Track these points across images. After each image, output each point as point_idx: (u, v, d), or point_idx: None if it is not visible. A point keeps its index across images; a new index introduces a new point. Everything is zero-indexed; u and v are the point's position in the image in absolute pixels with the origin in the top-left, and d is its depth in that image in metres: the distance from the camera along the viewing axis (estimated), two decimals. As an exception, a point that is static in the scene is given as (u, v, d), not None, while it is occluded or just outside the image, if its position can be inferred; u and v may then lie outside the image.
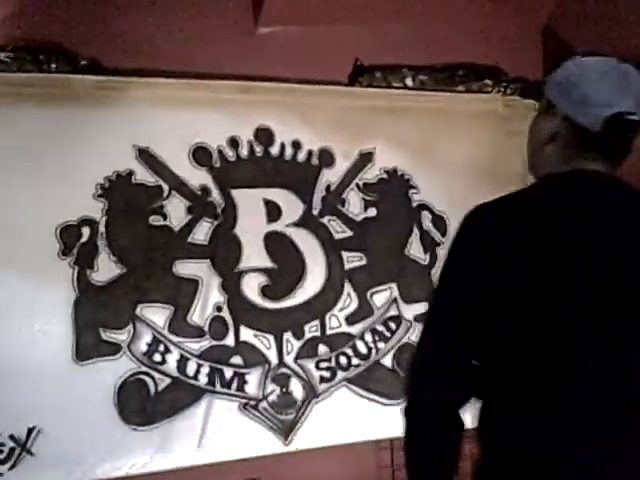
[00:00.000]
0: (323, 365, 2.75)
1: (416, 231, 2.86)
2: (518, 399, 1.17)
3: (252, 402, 2.65)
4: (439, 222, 2.88)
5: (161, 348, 2.55)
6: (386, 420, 2.80)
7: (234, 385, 2.64)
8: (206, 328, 2.60)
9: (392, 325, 2.85)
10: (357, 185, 2.82)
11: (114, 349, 2.49)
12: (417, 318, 2.83)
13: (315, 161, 2.76)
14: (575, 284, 1.14)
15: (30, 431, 2.38)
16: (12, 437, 2.37)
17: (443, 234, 2.88)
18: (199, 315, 2.59)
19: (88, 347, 2.45)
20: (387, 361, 2.84)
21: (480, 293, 1.18)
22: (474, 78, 2.99)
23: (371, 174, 2.84)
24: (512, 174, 2.84)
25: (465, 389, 1.23)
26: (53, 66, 2.44)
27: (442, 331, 1.24)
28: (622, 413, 1.13)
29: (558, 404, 1.13)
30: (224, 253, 2.63)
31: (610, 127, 1.20)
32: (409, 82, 2.89)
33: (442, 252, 2.76)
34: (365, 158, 2.83)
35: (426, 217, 2.89)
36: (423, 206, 2.89)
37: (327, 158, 2.77)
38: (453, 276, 1.26)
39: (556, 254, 1.15)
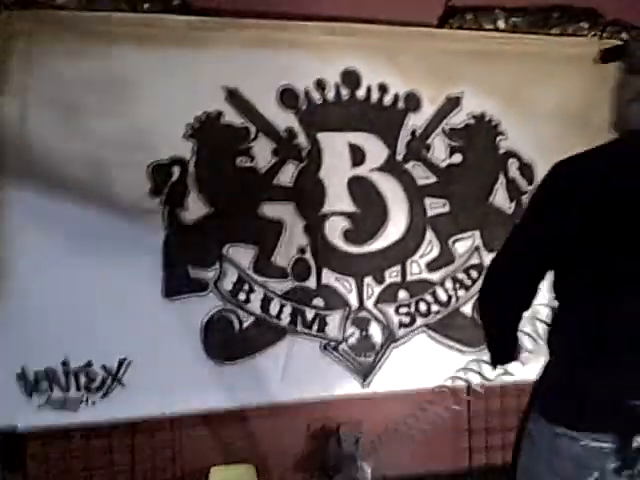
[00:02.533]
0: (402, 310, 2.75)
1: (502, 179, 2.78)
2: (576, 305, 1.43)
3: (332, 343, 2.67)
4: (526, 170, 2.78)
5: (246, 287, 2.58)
6: (464, 367, 2.78)
7: (315, 326, 2.66)
8: (289, 270, 2.61)
9: (473, 273, 2.80)
10: (443, 130, 2.75)
11: (201, 286, 2.53)
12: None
13: (401, 105, 2.69)
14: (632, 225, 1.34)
15: (121, 363, 2.46)
16: (104, 367, 2.46)
17: (530, 182, 2.77)
18: (283, 256, 2.60)
19: (177, 284, 2.51)
20: (467, 309, 2.81)
21: (556, 227, 1.41)
22: (569, 20, 2.85)
23: (458, 119, 2.76)
24: (605, 122, 2.75)
25: (529, 292, 1.51)
26: (146, 6, 2.44)
27: (519, 245, 1.53)
28: None
29: (605, 313, 1.36)
30: (308, 196, 2.61)
31: None
32: (501, 24, 2.79)
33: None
34: (452, 103, 2.74)
35: (513, 165, 2.80)
36: (511, 153, 2.80)
37: (413, 102, 2.70)
38: (536, 211, 1.51)
39: (622, 203, 1.35)
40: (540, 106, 2.77)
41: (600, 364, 1.37)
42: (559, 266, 1.46)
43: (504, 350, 1.64)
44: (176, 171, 2.50)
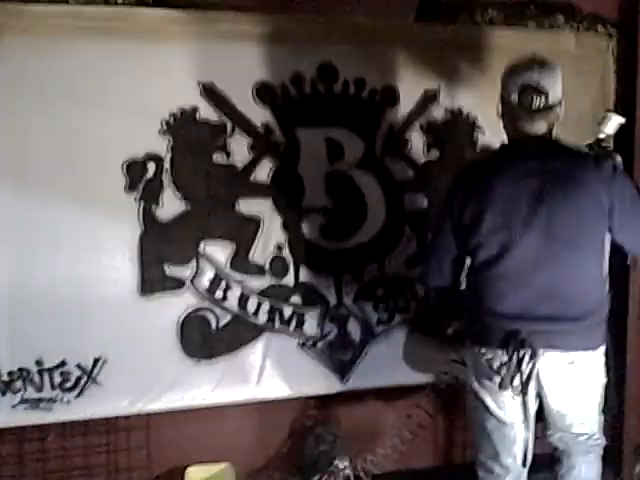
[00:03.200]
0: (381, 307, 2.74)
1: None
2: (477, 269, 2.03)
3: (310, 341, 2.68)
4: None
5: (223, 285, 2.56)
6: (441, 363, 2.76)
7: (293, 323, 2.66)
8: (267, 267, 2.60)
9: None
10: (420, 126, 2.73)
11: (178, 284, 2.52)
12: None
13: (378, 100, 2.66)
14: (508, 204, 1.93)
15: (96, 361, 2.46)
16: (79, 366, 2.45)
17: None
18: (260, 253, 2.59)
19: (153, 281, 2.49)
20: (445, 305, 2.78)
21: (460, 217, 2.02)
22: (546, 14, 2.83)
23: (435, 114, 2.74)
24: (581, 114, 2.72)
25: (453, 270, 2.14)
26: (118, -1, 2.39)
27: (440, 239, 2.14)
28: (537, 267, 1.92)
29: (494, 268, 1.97)
30: (286, 192, 2.59)
31: None
32: (477, 18, 2.77)
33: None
34: (430, 97, 2.72)
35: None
36: (488, 148, 2.76)
37: (391, 97, 2.67)
38: (447, 208, 2.08)
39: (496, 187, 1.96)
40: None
41: (489, 305, 1.99)
42: (461, 248, 2.07)
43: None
44: (151, 167, 2.46)
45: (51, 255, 2.39)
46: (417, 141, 2.75)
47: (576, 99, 2.66)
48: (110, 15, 2.39)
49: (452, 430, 3.02)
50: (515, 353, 1.89)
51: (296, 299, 2.66)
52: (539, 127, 1.96)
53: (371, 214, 2.71)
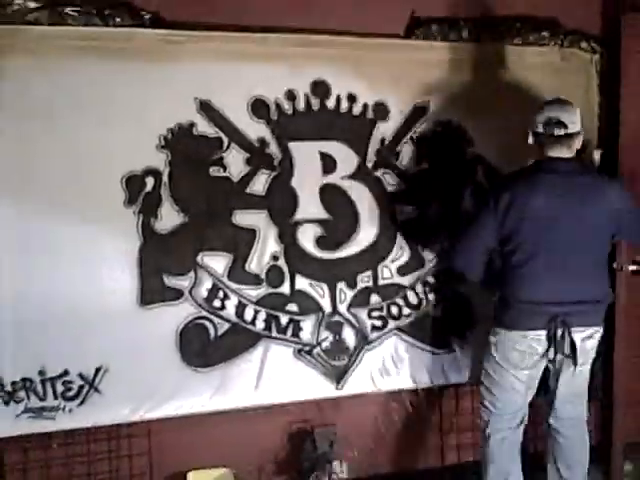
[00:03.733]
0: (375, 314, 2.76)
1: (469, 184, 2.80)
2: (514, 266, 2.36)
3: (306, 348, 2.69)
4: (493, 175, 2.79)
5: (220, 294, 2.58)
6: (435, 368, 2.83)
7: (289, 331, 2.67)
8: (263, 276, 2.62)
9: (442, 277, 2.81)
10: (411, 138, 2.76)
11: (177, 294, 2.54)
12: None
13: (370, 114, 2.69)
14: (540, 214, 2.29)
15: (97, 370, 2.47)
16: (81, 375, 2.46)
17: (497, 187, 2.80)
18: (257, 263, 2.61)
19: (152, 292, 2.51)
20: (437, 312, 2.84)
21: (499, 216, 2.33)
22: (531, 30, 2.87)
23: (425, 127, 2.77)
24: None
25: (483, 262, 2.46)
26: (118, 20, 2.42)
27: (476, 231, 2.41)
28: (567, 269, 2.32)
29: (530, 265, 2.33)
30: (281, 204, 2.62)
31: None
32: (465, 35, 2.80)
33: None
34: (419, 111, 2.75)
35: (480, 170, 2.82)
36: (477, 159, 2.82)
37: (382, 111, 2.70)
38: (488, 206, 2.36)
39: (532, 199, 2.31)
40: (504, 112, 2.78)
41: (524, 292, 2.34)
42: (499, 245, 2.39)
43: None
44: (150, 181, 2.49)
45: (53, 267, 2.41)
46: (408, 153, 2.78)
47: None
48: (110, 36, 2.42)
49: (445, 432, 3.04)
50: (557, 330, 2.32)
51: (292, 307, 2.68)
52: (561, 152, 2.35)
53: (364, 224, 2.74)
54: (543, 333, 2.33)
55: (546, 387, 2.48)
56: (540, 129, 2.34)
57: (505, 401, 2.46)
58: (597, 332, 2.41)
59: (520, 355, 2.38)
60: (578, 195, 2.31)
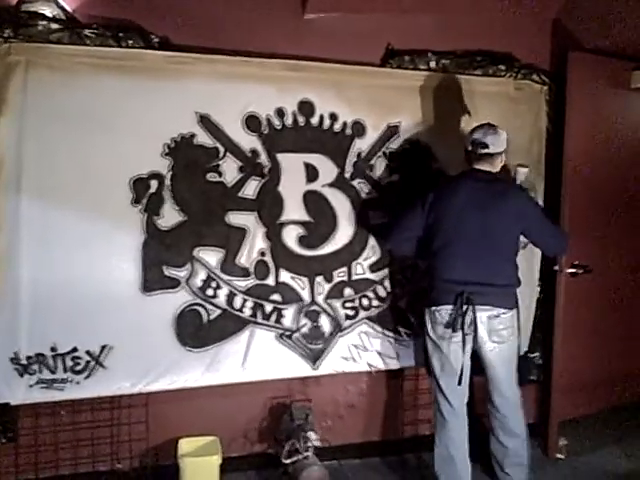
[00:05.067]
0: (348, 305, 2.86)
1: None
2: (435, 251, 2.57)
3: (287, 333, 2.77)
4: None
5: (213, 284, 2.66)
6: (398, 353, 2.93)
7: (273, 318, 2.75)
8: (251, 269, 2.70)
9: (408, 274, 2.94)
10: (384, 153, 2.87)
11: (175, 283, 2.60)
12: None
13: (349, 131, 2.80)
14: (458, 210, 2.51)
15: (103, 348, 2.53)
16: (88, 352, 2.51)
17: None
18: (246, 258, 2.69)
19: (153, 281, 2.57)
20: (402, 304, 2.95)
21: (425, 212, 2.58)
22: (490, 63, 2.99)
23: (396, 144, 2.88)
24: (519, 148, 2.94)
25: (411, 247, 2.70)
26: (130, 42, 2.49)
27: (405, 223, 2.65)
28: (476, 256, 2.49)
29: (447, 251, 2.54)
30: (269, 207, 2.70)
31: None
32: (433, 65, 2.91)
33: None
34: (392, 130, 2.86)
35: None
36: (440, 173, 2.92)
37: (359, 129, 2.81)
38: (415, 203, 2.61)
39: (452, 197, 2.55)
40: (464, 134, 2.86)
41: (441, 275, 2.55)
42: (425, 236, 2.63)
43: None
44: (154, 184, 2.56)
45: (66, 257, 2.46)
46: (381, 166, 2.89)
47: (515, 134, 2.84)
48: (122, 55, 2.49)
49: (406, 409, 3.14)
50: (462, 306, 2.49)
51: (276, 297, 2.76)
52: (484, 166, 2.59)
53: (341, 226, 2.83)
54: (450, 307, 2.51)
55: (480, 367, 2.61)
56: (469, 147, 2.59)
57: (443, 372, 2.58)
58: (505, 314, 2.53)
59: (441, 328, 2.55)
60: (489, 198, 2.52)
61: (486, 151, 2.54)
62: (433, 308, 2.57)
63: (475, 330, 2.50)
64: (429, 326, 2.61)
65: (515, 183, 2.70)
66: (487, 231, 2.49)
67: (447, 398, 2.60)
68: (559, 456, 3.08)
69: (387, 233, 2.74)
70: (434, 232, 2.57)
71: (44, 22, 2.38)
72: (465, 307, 2.47)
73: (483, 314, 2.50)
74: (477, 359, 2.60)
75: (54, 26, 2.39)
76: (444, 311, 2.53)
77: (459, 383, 2.55)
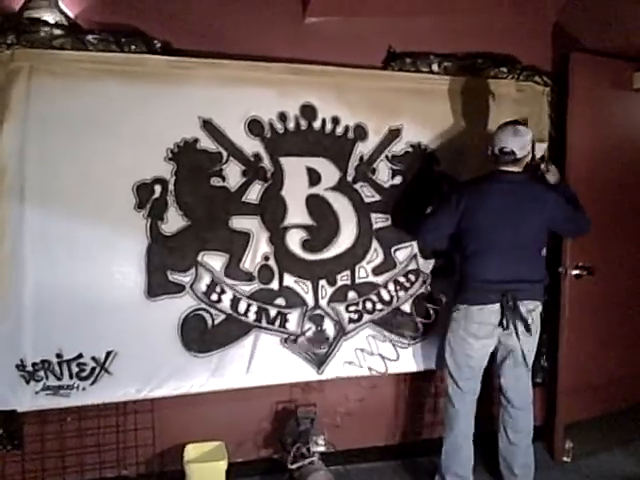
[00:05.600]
0: (352, 308, 2.84)
1: (436, 197, 2.89)
2: (470, 254, 2.61)
3: (292, 337, 2.75)
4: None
5: (218, 289, 2.64)
6: (402, 357, 2.91)
7: (277, 322, 2.73)
8: (255, 274, 2.69)
9: (411, 277, 2.92)
10: (386, 157, 2.85)
11: (179, 288, 2.59)
12: (433, 272, 2.95)
13: (351, 135, 2.79)
14: (491, 214, 2.58)
15: (108, 354, 2.51)
16: (93, 358, 2.50)
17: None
18: (250, 263, 2.68)
19: (158, 286, 2.56)
20: (406, 307, 2.93)
21: (459, 213, 2.61)
22: (492, 65, 2.97)
23: (398, 147, 2.86)
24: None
25: (443, 243, 2.77)
26: (132, 47, 2.48)
27: (438, 220, 2.68)
28: (511, 255, 2.58)
29: (483, 253, 2.59)
30: (272, 211, 2.69)
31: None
32: (435, 68, 2.90)
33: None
34: (394, 133, 2.85)
35: (445, 185, 2.91)
36: (442, 176, 2.91)
37: (361, 133, 2.80)
38: (450, 202, 2.62)
39: (485, 202, 2.60)
40: (466, 136, 2.91)
41: (480, 276, 2.59)
42: (456, 235, 2.68)
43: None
44: (158, 189, 2.55)
45: (71, 263, 2.45)
46: (383, 169, 2.87)
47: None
48: (125, 60, 2.48)
49: (410, 413, 3.12)
50: (509, 304, 2.56)
51: (280, 301, 2.74)
52: (511, 167, 2.61)
53: (344, 230, 2.82)
54: (497, 306, 2.57)
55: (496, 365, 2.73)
56: (495, 152, 2.61)
57: (463, 369, 2.66)
58: (538, 306, 2.66)
59: (478, 326, 2.60)
60: (521, 201, 2.59)
61: (514, 158, 2.58)
62: (474, 307, 2.59)
63: (523, 321, 2.58)
64: (462, 323, 2.63)
65: (542, 182, 2.72)
66: (519, 232, 2.57)
67: (462, 390, 2.68)
68: (565, 459, 3.05)
69: (420, 229, 2.75)
70: (468, 236, 2.62)
71: (47, 28, 2.36)
72: (512, 303, 2.54)
73: (524, 308, 2.59)
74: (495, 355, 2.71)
75: (57, 32, 2.38)
76: (487, 309, 2.57)
77: (475, 379, 2.67)
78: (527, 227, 2.59)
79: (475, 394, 2.71)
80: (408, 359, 2.93)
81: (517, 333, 2.59)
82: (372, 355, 2.87)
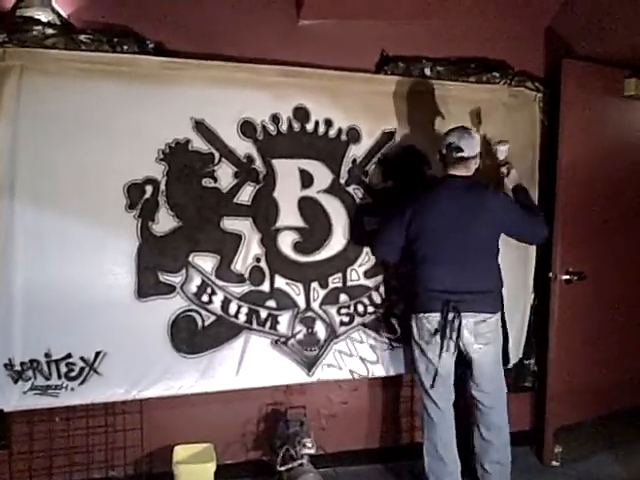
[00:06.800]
0: (343, 311, 2.82)
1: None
2: (419, 261, 2.57)
3: (282, 339, 2.73)
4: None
5: (208, 290, 2.61)
6: (394, 360, 2.89)
7: (268, 324, 2.71)
8: (246, 275, 2.66)
9: (403, 280, 2.88)
10: (379, 159, 2.83)
11: (169, 289, 2.56)
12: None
13: (344, 137, 2.77)
14: (439, 220, 2.51)
15: (97, 354, 2.48)
16: (82, 358, 2.46)
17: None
18: (241, 264, 2.65)
19: (148, 287, 2.53)
20: (397, 310, 2.90)
21: (407, 219, 2.56)
22: (484, 70, 2.97)
23: (391, 150, 2.84)
24: (512, 154, 2.87)
25: (396, 256, 2.70)
26: (125, 47, 2.46)
27: (388, 234, 2.64)
28: (459, 264, 2.49)
29: (431, 261, 2.53)
30: (264, 213, 2.67)
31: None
32: (427, 72, 2.89)
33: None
34: (387, 136, 2.83)
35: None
36: (434, 179, 2.83)
37: (354, 135, 2.78)
38: (399, 209, 2.59)
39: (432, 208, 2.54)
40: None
41: (427, 284, 2.54)
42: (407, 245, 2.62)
43: None
44: (149, 189, 2.52)
45: (61, 262, 2.42)
46: (376, 172, 2.85)
47: (509, 141, 2.78)
48: (117, 60, 2.46)
49: (401, 416, 3.10)
50: (449, 314, 2.48)
51: (271, 303, 2.72)
52: (460, 171, 2.55)
53: (336, 232, 2.80)
54: (438, 314, 2.50)
55: (466, 368, 2.63)
56: (443, 151, 2.57)
57: (427, 374, 2.58)
58: (490, 318, 2.54)
59: (429, 334, 2.55)
60: (467, 206, 2.50)
61: (460, 155, 2.51)
62: (420, 315, 2.56)
63: (460, 336, 2.50)
64: (415, 331, 2.60)
65: (491, 185, 2.63)
66: (468, 239, 2.49)
67: (434, 400, 2.60)
68: (554, 463, 3.03)
69: (373, 242, 2.74)
70: (416, 243, 2.56)
71: (39, 27, 2.34)
72: (452, 315, 2.47)
73: (469, 320, 2.50)
74: (462, 358, 2.60)
75: (49, 31, 2.35)
76: (431, 317, 2.53)
77: (444, 386, 2.57)
78: (477, 234, 2.50)
79: (449, 400, 2.63)
80: (398, 362, 2.89)
81: (461, 342, 2.51)
82: (363, 358, 2.83)
